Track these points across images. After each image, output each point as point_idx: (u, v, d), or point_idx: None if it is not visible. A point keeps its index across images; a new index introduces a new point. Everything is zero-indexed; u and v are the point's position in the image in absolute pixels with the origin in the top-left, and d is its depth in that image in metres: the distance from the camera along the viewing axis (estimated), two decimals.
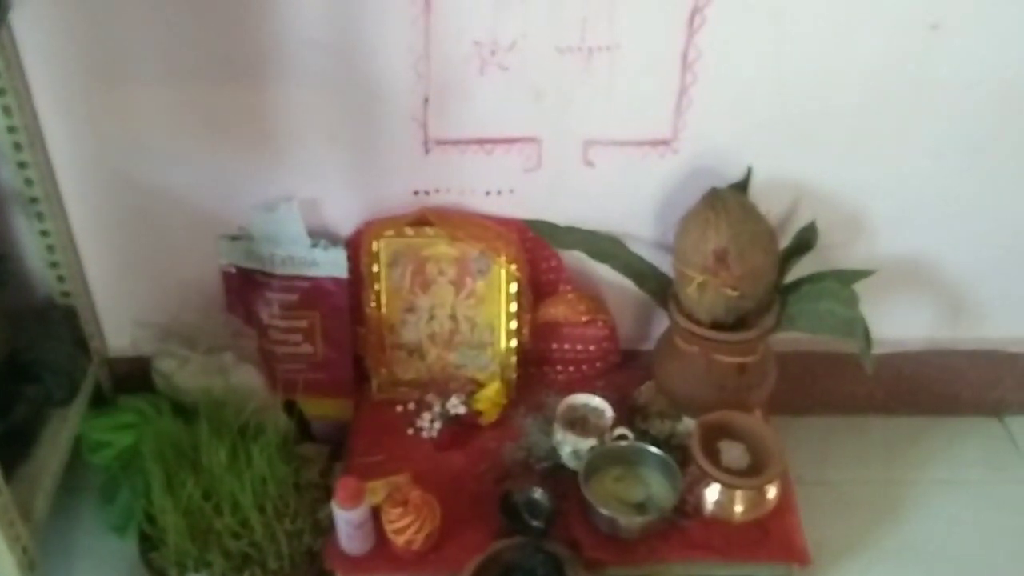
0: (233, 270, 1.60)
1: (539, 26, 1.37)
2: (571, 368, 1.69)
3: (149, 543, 1.46)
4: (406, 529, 1.38)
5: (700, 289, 1.43)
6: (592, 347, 1.66)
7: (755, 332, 1.46)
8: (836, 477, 1.72)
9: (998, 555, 1.61)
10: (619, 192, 1.54)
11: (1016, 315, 1.71)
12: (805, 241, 1.50)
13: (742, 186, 1.49)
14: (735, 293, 1.41)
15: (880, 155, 1.51)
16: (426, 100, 1.43)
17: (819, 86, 1.44)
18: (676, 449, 1.54)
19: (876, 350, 1.42)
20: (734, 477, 1.40)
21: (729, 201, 1.41)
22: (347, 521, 1.38)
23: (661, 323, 1.61)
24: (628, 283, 1.56)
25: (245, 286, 1.60)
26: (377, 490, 1.47)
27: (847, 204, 1.56)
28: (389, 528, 1.39)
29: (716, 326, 1.46)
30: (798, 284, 1.50)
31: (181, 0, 1.35)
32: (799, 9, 1.37)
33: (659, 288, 1.53)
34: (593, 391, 1.61)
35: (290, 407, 1.67)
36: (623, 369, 1.70)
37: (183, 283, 1.63)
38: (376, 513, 1.41)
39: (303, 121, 1.46)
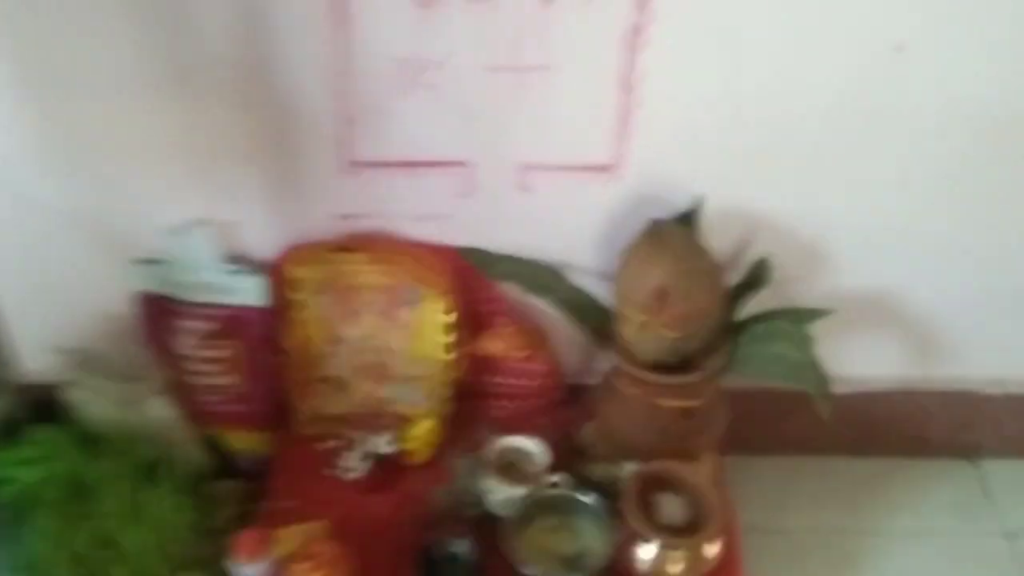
0: (147, 297, 1.51)
1: (468, 44, 1.29)
2: (511, 403, 1.61)
3: None
4: None
5: (640, 329, 1.35)
6: (533, 383, 1.57)
7: (700, 375, 1.37)
8: (793, 524, 1.65)
9: None
10: (559, 220, 1.46)
11: (990, 354, 1.63)
12: (757, 277, 1.41)
13: (690, 217, 1.41)
14: (675, 335, 1.33)
15: (842, 185, 1.43)
16: (348, 120, 1.35)
17: (775, 111, 1.35)
18: (618, 497, 1.46)
19: (840, 389, 1.35)
20: (668, 536, 1.32)
21: (671, 235, 1.33)
22: None
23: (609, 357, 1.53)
24: None
25: (161, 313, 1.52)
26: (289, 540, 1.39)
27: (806, 236, 1.48)
28: None
29: (659, 368, 1.38)
30: (748, 323, 1.42)
31: (85, 13, 1.26)
32: (752, 30, 1.28)
33: (600, 325, 1.45)
34: (533, 430, 1.54)
35: (212, 442, 1.60)
36: (568, 405, 1.62)
37: (97, 309, 1.55)
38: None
39: (217, 141, 1.38)
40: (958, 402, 1.68)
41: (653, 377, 1.38)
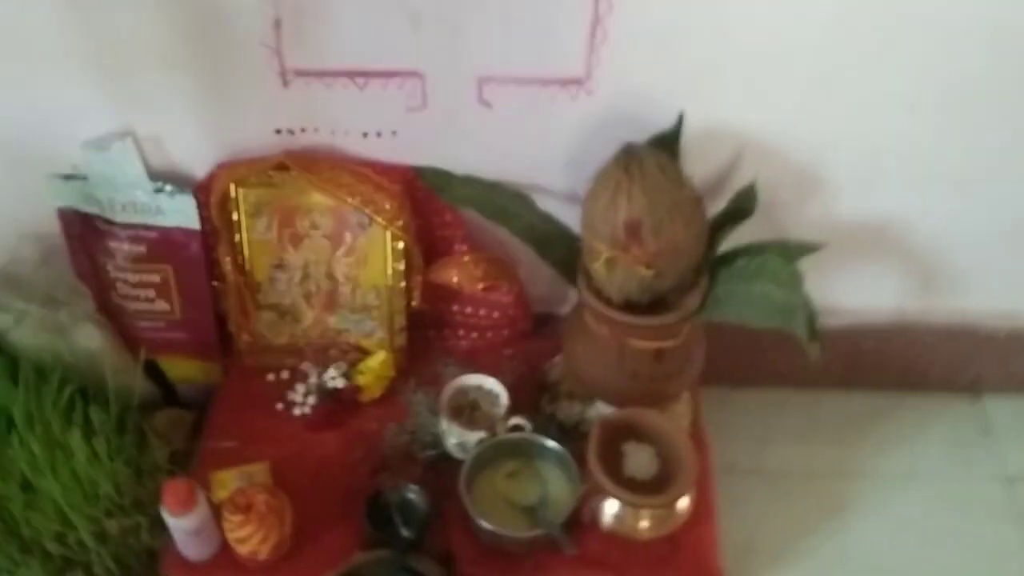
0: (70, 215, 1.38)
1: None
2: (474, 334, 1.49)
3: None
4: (248, 539, 1.21)
5: (609, 265, 1.21)
6: (495, 313, 1.45)
7: (674, 316, 1.24)
8: (776, 464, 1.55)
9: (953, 566, 1.43)
10: (523, 138, 1.31)
11: (996, 287, 1.50)
12: (741, 207, 1.27)
13: (669, 139, 1.25)
14: (649, 272, 1.19)
15: (843, 103, 1.27)
16: (277, 22, 1.18)
17: (770, 18, 1.18)
18: (577, 435, 1.36)
19: (831, 322, 1.22)
20: (632, 494, 1.21)
21: (645, 162, 1.18)
22: (179, 528, 1.21)
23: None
24: None
25: (86, 233, 1.39)
26: (227, 482, 1.30)
27: (800, 159, 1.33)
28: (230, 536, 1.22)
29: (629, 307, 1.25)
30: (731, 257, 1.28)
31: None
32: None
33: (567, 256, 1.31)
34: (495, 364, 1.43)
35: (153, 370, 1.49)
36: (534, 338, 1.50)
37: (16, 228, 1.42)
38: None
39: (136, 45, 1.22)
40: (959, 336, 1.55)
41: (623, 317, 1.25)
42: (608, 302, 1.25)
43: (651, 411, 1.29)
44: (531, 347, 1.49)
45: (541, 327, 1.51)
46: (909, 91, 1.25)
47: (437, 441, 1.36)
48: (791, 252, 1.25)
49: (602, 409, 1.38)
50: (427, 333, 1.49)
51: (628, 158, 1.18)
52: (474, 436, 1.32)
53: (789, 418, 1.60)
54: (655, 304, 1.25)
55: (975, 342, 1.56)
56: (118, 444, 1.31)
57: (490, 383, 1.37)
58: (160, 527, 1.28)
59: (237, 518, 1.20)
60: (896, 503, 1.49)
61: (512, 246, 1.41)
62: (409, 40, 1.20)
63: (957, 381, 1.63)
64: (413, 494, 1.29)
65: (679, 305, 1.25)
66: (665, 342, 1.28)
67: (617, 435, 1.28)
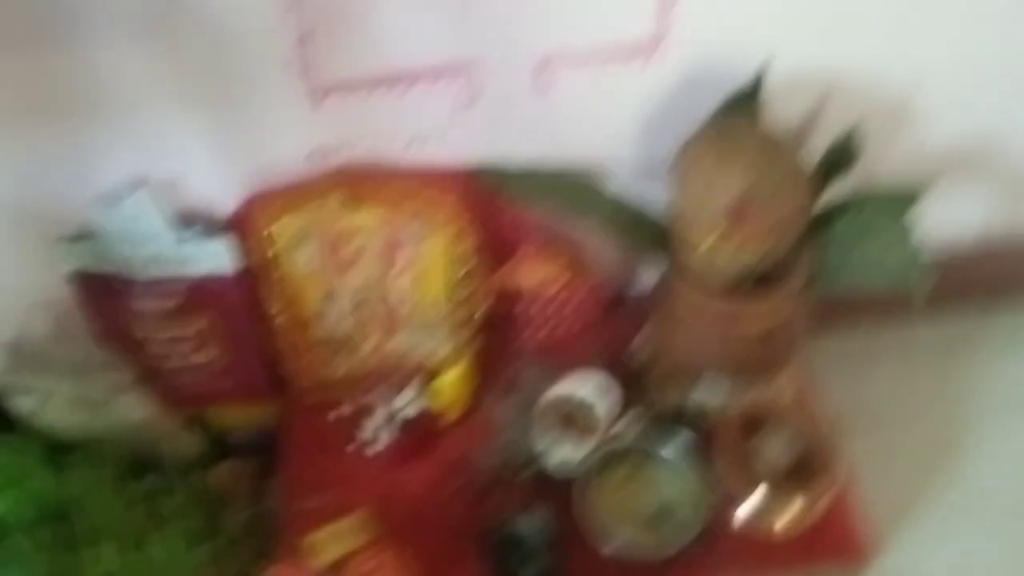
0: (85, 279, 1.22)
1: None
2: (542, 333, 1.37)
3: None
4: None
5: (711, 252, 1.09)
6: (568, 308, 1.33)
7: (781, 296, 1.14)
8: (878, 406, 1.46)
9: None
10: (587, 121, 1.19)
11: None
12: (843, 156, 1.15)
13: (753, 97, 1.13)
14: (756, 254, 1.08)
15: (937, 25, 1.15)
16: (302, 38, 1.03)
17: None
18: (690, 426, 1.26)
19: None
20: (782, 492, 1.13)
21: (742, 135, 1.06)
22: None
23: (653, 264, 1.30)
24: None
25: (104, 295, 1.24)
26: (325, 544, 1.19)
27: (892, 92, 1.21)
28: None
29: (733, 290, 1.14)
30: (830, 218, 1.17)
31: None
32: None
33: (654, 240, 1.19)
34: (575, 359, 1.32)
35: (199, 425, 1.37)
36: (607, 324, 1.38)
37: (25, 298, 1.26)
38: None
39: (137, 82, 1.05)
40: None
41: (725, 306, 1.14)
42: (707, 289, 1.15)
43: (782, 397, 1.20)
44: (604, 334, 1.38)
45: (613, 312, 1.40)
46: (1003, 14, 1.14)
47: (532, 458, 1.26)
48: (899, 204, 1.15)
49: (706, 393, 1.28)
50: (495, 338, 1.36)
51: (721, 136, 1.06)
52: (580, 451, 1.22)
53: (886, 356, 1.52)
54: (761, 280, 1.15)
55: None
56: (195, 528, 1.19)
57: (584, 390, 1.27)
58: None
59: None
60: (1008, 432, 1.43)
61: (580, 241, 1.30)
62: (456, 31, 1.05)
63: None
64: (526, 527, 1.19)
65: (785, 282, 1.14)
66: (773, 321, 1.18)
67: (744, 428, 1.19)
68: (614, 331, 1.38)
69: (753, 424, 1.19)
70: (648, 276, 1.38)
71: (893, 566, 1.28)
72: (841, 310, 1.51)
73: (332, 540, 1.19)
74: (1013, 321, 1.54)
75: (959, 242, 1.45)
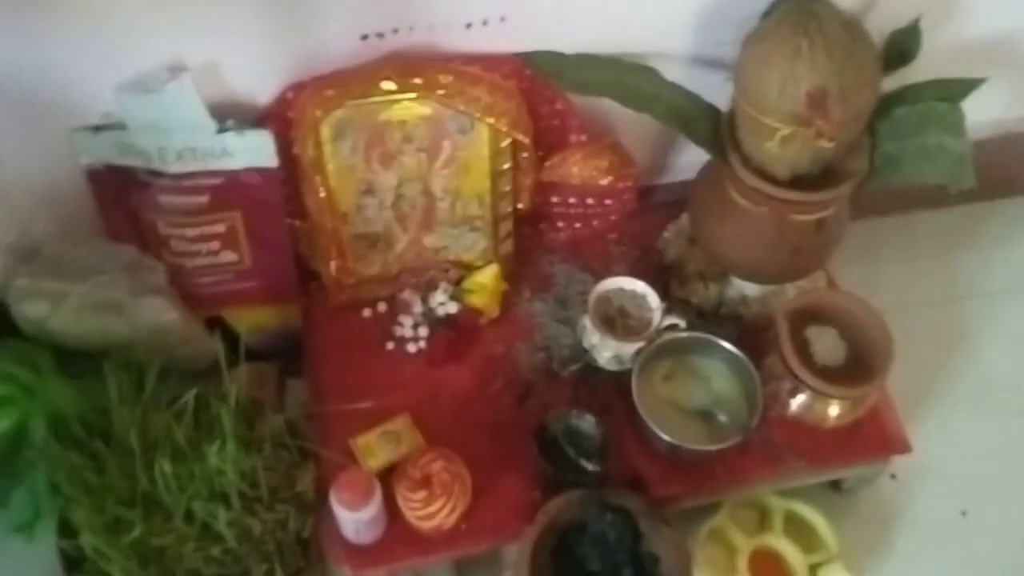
0: (103, 171, 1.13)
1: None
2: (577, 224, 1.35)
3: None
4: (435, 515, 1.09)
5: (784, 142, 1.08)
6: (608, 201, 1.31)
7: (846, 186, 1.14)
8: (889, 297, 1.49)
9: None
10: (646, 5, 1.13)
11: None
12: (903, 51, 1.14)
13: None
14: (832, 144, 1.07)
15: None
16: None
17: None
18: (727, 322, 1.27)
19: None
20: (831, 383, 1.14)
21: (825, 20, 1.03)
22: (354, 519, 1.07)
23: (683, 151, 1.28)
24: None
25: (125, 191, 1.16)
26: (373, 448, 1.15)
27: None
28: (412, 516, 1.09)
29: (795, 182, 1.13)
30: (887, 107, 1.16)
31: None
32: None
33: (713, 131, 1.17)
34: (606, 251, 1.32)
35: (215, 327, 1.29)
36: (637, 214, 1.37)
37: (37, 196, 1.16)
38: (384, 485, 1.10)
39: None
40: None
41: (790, 194, 1.13)
42: (772, 180, 1.13)
43: (832, 291, 1.21)
44: (635, 227, 1.37)
45: (644, 203, 1.38)
46: None
47: (576, 353, 1.25)
48: (953, 92, 1.15)
49: (742, 287, 1.29)
50: (522, 230, 1.33)
51: (805, 17, 1.03)
52: (631, 347, 1.21)
53: (890, 245, 1.55)
54: (822, 174, 1.14)
55: None
56: (240, 434, 1.14)
57: (635, 285, 1.25)
58: (302, 510, 1.15)
59: (420, 496, 1.08)
60: (1014, 318, 1.49)
61: (612, 116, 1.26)
62: None
63: None
64: (579, 420, 1.18)
65: (847, 171, 1.14)
66: (827, 211, 1.18)
67: (798, 321, 1.20)
68: (637, 225, 1.36)
69: (805, 318, 1.21)
70: (680, 165, 1.36)
71: (921, 453, 1.32)
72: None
73: (382, 443, 1.16)
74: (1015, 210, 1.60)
75: (977, 133, 1.47)
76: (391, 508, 1.11)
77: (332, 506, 1.06)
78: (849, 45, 1.03)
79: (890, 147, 1.16)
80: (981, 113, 1.43)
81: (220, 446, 1.08)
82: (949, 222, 1.58)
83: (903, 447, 1.23)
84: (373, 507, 1.06)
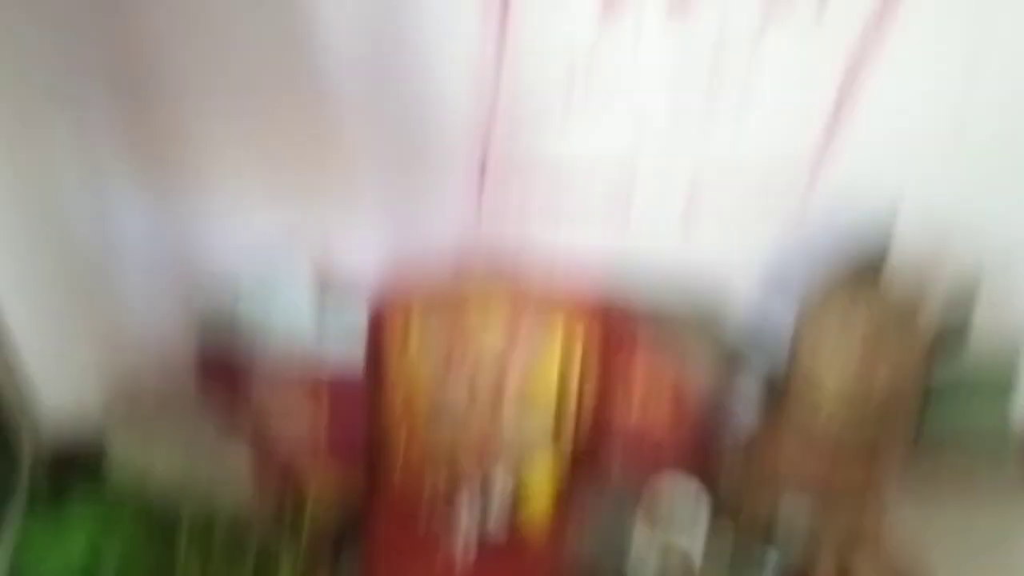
0: (211, 344, 1.26)
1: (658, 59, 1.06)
2: (640, 456, 1.42)
3: None
4: None
5: (831, 418, 1.17)
6: (667, 433, 1.39)
7: (884, 461, 1.22)
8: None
9: None
10: (721, 261, 1.27)
11: None
12: (954, 337, 1.24)
13: (881, 260, 1.21)
14: (872, 421, 1.16)
15: None
16: (487, 128, 1.11)
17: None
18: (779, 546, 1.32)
19: None
20: None
21: (870, 304, 1.15)
22: None
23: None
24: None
25: (227, 363, 1.27)
26: None
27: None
28: None
29: (845, 437, 1.21)
30: (935, 393, 1.24)
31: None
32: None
33: (764, 383, 1.27)
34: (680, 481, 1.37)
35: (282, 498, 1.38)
36: (704, 441, 1.43)
37: (147, 348, 1.29)
38: None
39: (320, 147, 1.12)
40: None
41: (830, 467, 1.21)
42: (819, 443, 1.22)
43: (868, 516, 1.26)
44: (700, 454, 1.44)
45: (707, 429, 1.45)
46: None
47: (624, 562, 1.30)
48: (998, 388, 1.24)
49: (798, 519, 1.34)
50: (586, 456, 1.41)
51: (847, 299, 1.15)
52: (676, 549, 1.26)
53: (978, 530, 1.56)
54: (872, 429, 1.22)
55: None
56: None
57: (687, 506, 1.32)
58: None
59: None
60: None
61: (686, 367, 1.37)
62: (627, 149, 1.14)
63: None
64: None
65: (894, 435, 1.22)
66: (872, 473, 1.25)
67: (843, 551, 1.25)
68: (705, 452, 1.44)
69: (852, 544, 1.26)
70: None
71: None
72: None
73: None
74: None
75: None
76: None
77: None
78: (890, 331, 1.14)
79: (935, 423, 1.24)
80: None
81: None
82: None
83: None
84: None
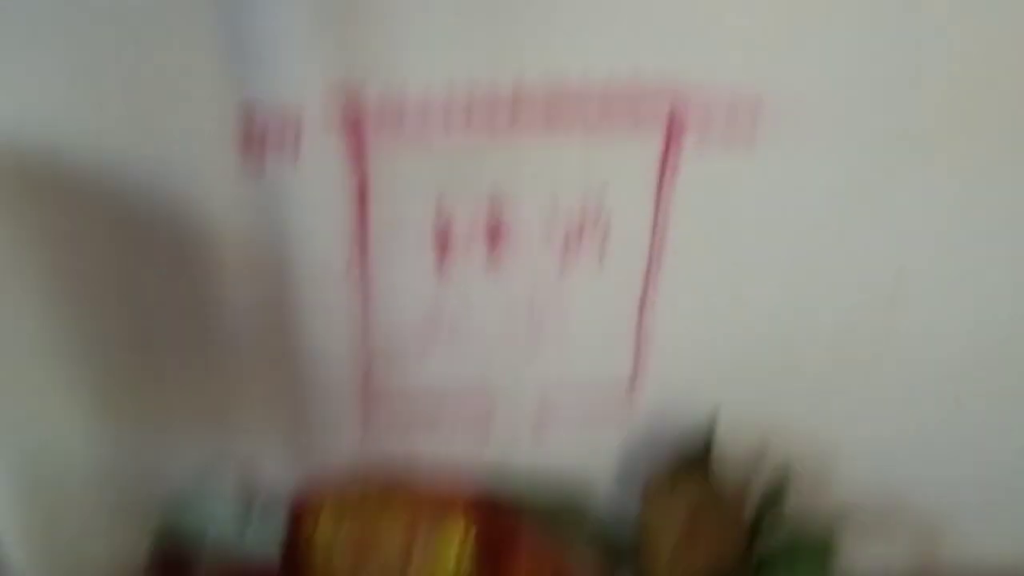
0: (161, 554, 1.53)
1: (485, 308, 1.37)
2: None
3: None
4: None
5: None
6: None
7: None
8: None
9: None
10: (575, 459, 1.53)
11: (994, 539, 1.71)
12: (774, 500, 1.47)
13: (702, 453, 1.46)
14: None
15: (850, 400, 1.52)
16: (364, 374, 1.41)
17: (781, 344, 1.45)
18: None
19: None
20: None
21: (690, 485, 1.40)
22: None
23: None
24: None
25: (171, 567, 1.54)
26: None
27: (818, 445, 1.55)
28: None
29: None
30: (769, 562, 1.46)
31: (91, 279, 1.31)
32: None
33: (625, 562, 1.50)
34: None
35: None
36: None
37: (107, 564, 1.56)
38: None
39: (235, 387, 1.43)
40: None
41: None
42: None
43: None
44: None
45: None
46: (902, 395, 1.51)
47: None
48: (819, 555, 1.45)
49: None
50: None
51: (672, 484, 1.40)
52: None
53: None
54: None
55: None
56: None
57: None
58: None
59: None
60: None
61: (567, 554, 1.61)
62: (480, 377, 1.44)
63: None
64: None
65: None
66: None
67: None
68: None
69: None
70: None
71: None
72: None
73: None
74: None
75: None
76: None
77: None
78: (708, 505, 1.38)
79: None
80: (886, 562, 1.72)
81: None
82: None
83: None
84: None
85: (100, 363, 1.38)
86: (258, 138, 1.24)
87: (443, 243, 1.33)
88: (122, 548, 1.56)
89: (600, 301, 1.37)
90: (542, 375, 1.45)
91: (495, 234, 1.33)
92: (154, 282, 1.31)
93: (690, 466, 1.41)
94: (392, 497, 1.51)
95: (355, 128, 1.25)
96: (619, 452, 1.52)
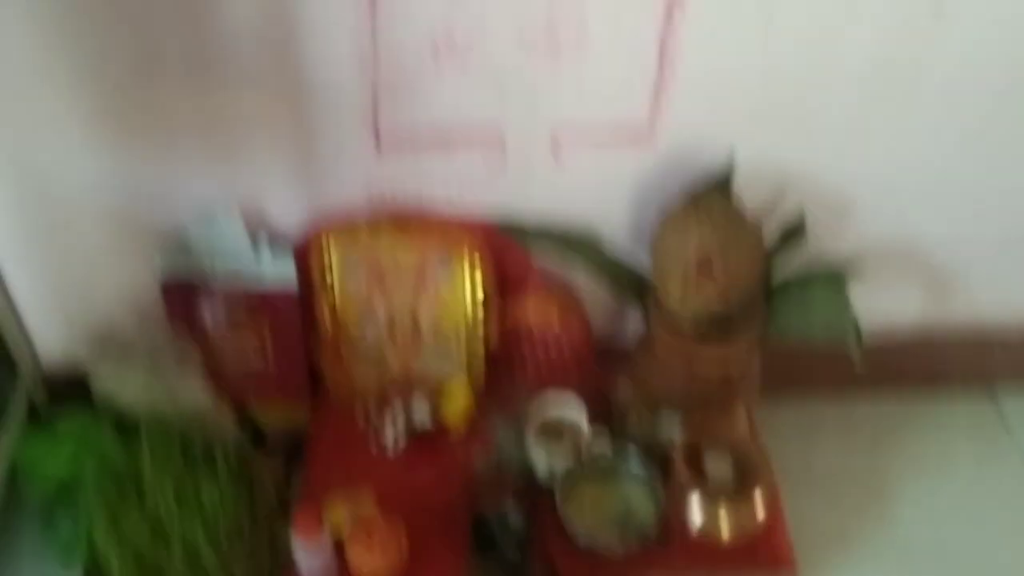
0: (172, 282, 1.54)
1: (500, 19, 1.31)
2: (544, 369, 1.67)
3: None
4: (371, 564, 1.38)
5: (681, 301, 1.40)
6: (565, 349, 1.63)
7: (741, 344, 1.44)
8: (821, 469, 1.74)
9: (987, 546, 1.65)
10: (594, 188, 1.51)
11: (1004, 293, 1.75)
12: (793, 233, 1.46)
13: (726, 181, 1.45)
14: (717, 306, 1.39)
15: (876, 142, 1.49)
16: (374, 99, 1.37)
17: (812, 78, 1.41)
18: (656, 452, 1.54)
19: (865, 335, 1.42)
20: (727, 504, 1.41)
21: (710, 203, 1.38)
22: (308, 559, 1.37)
23: (638, 317, 1.60)
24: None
25: (186, 299, 1.55)
26: (338, 512, 1.45)
27: (836, 187, 1.54)
28: (355, 562, 1.40)
29: (700, 334, 1.44)
30: (785, 285, 1.48)
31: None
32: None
33: (637, 292, 1.51)
34: (566, 394, 1.60)
35: (242, 416, 1.65)
36: (600, 367, 1.68)
37: (118, 294, 1.58)
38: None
39: (243, 121, 1.40)
40: (975, 339, 1.78)
41: (694, 347, 1.44)
42: (678, 332, 1.45)
43: (725, 422, 1.48)
44: (595, 377, 1.67)
45: (603, 358, 1.69)
46: (930, 130, 1.48)
47: (524, 471, 1.54)
48: (833, 281, 1.45)
49: (673, 427, 1.56)
50: (501, 370, 1.66)
51: (693, 201, 1.38)
52: (562, 461, 1.50)
53: (828, 426, 1.80)
54: (722, 329, 1.45)
55: (988, 343, 1.78)
56: (236, 492, 1.47)
57: (571, 412, 1.56)
58: (276, 560, 1.45)
59: (362, 545, 1.38)
60: (931, 493, 1.70)
61: (578, 286, 1.62)
62: (493, 105, 1.40)
63: (974, 380, 1.85)
64: (510, 513, 1.46)
65: (744, 330, 1.45)
66: (730, 366, 1.48)
67: (697, 448, 1.48)
68: (600, 375, 1.67)
69: (701, 448, 1.48)
70: (634, 330, 1.68)
71: None
72: (793, 384, 1.81)
73: (342, 508, 1.44)
74: (940, 408, 1.85)
75: (897, 329, 1.75)
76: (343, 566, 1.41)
77: (292, 546, 1.37)
78: (730, 225, 1.37)
79: (781, 316, 1.46)
80: (901, 310, 1.73)
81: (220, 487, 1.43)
82: (882, 411, 1.84)
83: (791, 569, 1.45)
84: (322, 547, 1.36)
85: (101, 87, 1.35)
86: None
87: None
88: (131, 281, 1.57)
89: (622, 22, 1.32)
90: (556, 113, 1.42)
91: None
92: None
93: (711, 193, 1.40)
94: (404, 228, 1.51)
95: None
96: (634, 188, 1.51)
